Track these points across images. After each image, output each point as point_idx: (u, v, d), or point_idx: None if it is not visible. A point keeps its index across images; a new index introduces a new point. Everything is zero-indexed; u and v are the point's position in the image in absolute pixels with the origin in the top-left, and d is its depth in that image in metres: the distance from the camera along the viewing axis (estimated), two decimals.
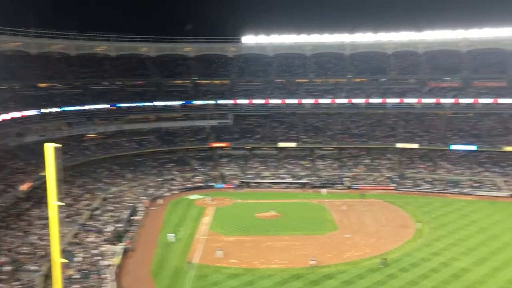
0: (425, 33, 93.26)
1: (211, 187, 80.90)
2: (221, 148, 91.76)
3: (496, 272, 42.10)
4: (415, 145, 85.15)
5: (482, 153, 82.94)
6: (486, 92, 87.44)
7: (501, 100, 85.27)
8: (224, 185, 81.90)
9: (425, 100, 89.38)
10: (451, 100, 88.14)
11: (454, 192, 75.07)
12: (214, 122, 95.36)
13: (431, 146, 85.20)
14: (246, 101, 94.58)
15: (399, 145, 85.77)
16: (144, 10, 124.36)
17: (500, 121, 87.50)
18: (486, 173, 79.04)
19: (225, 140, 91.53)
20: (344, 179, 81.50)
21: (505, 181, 75.80)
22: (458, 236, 53.15)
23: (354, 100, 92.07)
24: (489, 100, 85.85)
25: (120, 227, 55.19)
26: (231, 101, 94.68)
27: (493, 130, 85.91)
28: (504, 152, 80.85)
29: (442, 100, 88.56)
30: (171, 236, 53.05)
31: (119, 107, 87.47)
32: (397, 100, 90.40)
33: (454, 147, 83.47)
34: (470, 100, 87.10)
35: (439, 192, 75.51)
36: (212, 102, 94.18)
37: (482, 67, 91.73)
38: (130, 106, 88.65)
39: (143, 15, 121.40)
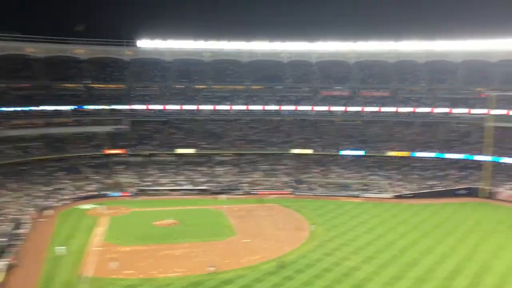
0: (317, 44, 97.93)
1: (106, 195, 77.48)
2: (117, 155, 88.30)
3: (382, 269, 45.10)
4: (309, 151, 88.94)
5: (369, 158, 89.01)
6: (372, 101, 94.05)
7: (384, 109, 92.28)
8: (120, 194, 78.84)
9: (318, 108, 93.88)
10: (341, 108, 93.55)
11: (345, 195, 79.53)
12: (109, 128, 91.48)
13: (324, 151, 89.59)
14: (143, 107, 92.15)
15: (294, 150, 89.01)
16: (31, 8, 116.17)
17: (384, 128, 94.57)
18: (372, 177, 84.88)
19: (121, 146, 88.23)
20: (242, 184, 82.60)
21: (389, 184, 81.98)
22: (348, 236, 56.24)
23: (252, 107, 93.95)
24: (375, 109, 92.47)
25: (3, 241, 50.62)
26: (127, 107, 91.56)
27: (379, 136, 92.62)
28: (388, 156, 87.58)
29: (333, 108, 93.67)
30: (61, 249, 49.74)
31: (1, 111, 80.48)
32: (292, 108, 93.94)
33: (344, 152, 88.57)
34: (358, 108, 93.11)
35: (331, 195, 79.51)
36: (107, 107, 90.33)
37: (368, 78, 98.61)
38: (14, 111, 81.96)
39: (30, 14, 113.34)
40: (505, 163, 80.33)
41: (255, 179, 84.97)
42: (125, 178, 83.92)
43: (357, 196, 78.96)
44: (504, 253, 50.34)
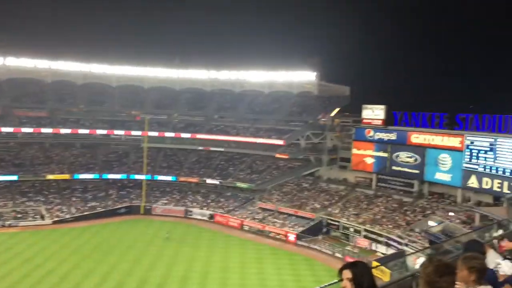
0: None
1: None
2: None
3: None
4: None
5: (25, 183, 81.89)
6: (27, 121, 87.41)
7: (42, 130, 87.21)
8: None
9: None
10: None
11: None
12: None
13: None
14: None
15: None
16: None
17: (42, 150, 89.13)
18: (29, 203, 78.25)
19: None
20: None
21: (48, 209, 77.30)
22: (1, 272, 49.88)
23: None
24: (31, 130, 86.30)
25: None
26: None
27: (36, 159, 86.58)
28: (47, 180, 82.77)
29: None
30: None
31: None
32: None
33: None
34: (11, 129, 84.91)
35: None
36: None
37: (22, 96, 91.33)
38: None
39: None
40: (159, 181, 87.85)
41: None
42: None
43: (11, 226, 71.09)
44: (159, 264, 54.58)
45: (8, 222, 71.68)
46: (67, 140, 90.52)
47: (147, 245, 62.95)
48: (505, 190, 54.55)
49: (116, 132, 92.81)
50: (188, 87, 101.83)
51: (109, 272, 50.86)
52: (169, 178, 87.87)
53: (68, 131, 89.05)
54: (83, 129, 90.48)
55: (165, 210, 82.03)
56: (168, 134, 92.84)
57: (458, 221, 58.04)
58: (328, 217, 70.46)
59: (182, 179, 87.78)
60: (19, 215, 74.28)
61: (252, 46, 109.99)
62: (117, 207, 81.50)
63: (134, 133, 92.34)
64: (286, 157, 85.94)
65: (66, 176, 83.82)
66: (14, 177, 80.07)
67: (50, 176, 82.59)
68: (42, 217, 75.10)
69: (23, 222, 72.56)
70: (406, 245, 56.72)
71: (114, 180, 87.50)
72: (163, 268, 52.87)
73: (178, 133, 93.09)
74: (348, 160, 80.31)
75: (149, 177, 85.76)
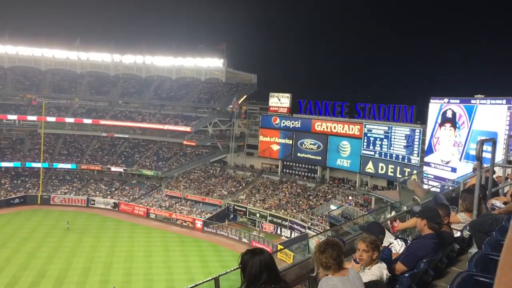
0: None
1: None
2: None
3: None
4: None
5: None
6: None
7: None
8: None
9: None
10: None
11: None
12: None
13: None
14: None
15: None
16: None
17: None
18: None
19: None
20: None
21: None
22: None
23: None
24: None
25: None
26: None
27: None
28: None
29: None
30: None
31: None
32: None
33: None
34: None
35: None
36: None
37: None
38: None
39: None
40: (58, 169, 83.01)
41: None
42: None
43: None
44: (59, 256, 51.80)
45: None
46: None
47: (45, 236, 59.35)
48: (398, 174, 58.79)
49: (10, 117, 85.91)
50: (90, 71, 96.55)
51: (1, 267, 47.27)
52: (68, 166, 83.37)
53: None
54: None
55: (65, 199, 77.82)
56: (68, 120, 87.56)
57: (355, 204, 61.62)
58: (235, 203, 71.33)
59: (83, 166, 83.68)
60: None
61: (159, 30, 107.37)
62: (11, 197, 75.78)
63: (30, 118, 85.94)
64: (194, 144, 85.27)
65: None
66: None
67: None
68: None
69: None
70: (309, 228, 59.17)
71: (7, 168, 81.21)
72: (63, 260, 50.24)
73: (79, 119, 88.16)
74: (255, 147, 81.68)
75: (46, 165, 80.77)
